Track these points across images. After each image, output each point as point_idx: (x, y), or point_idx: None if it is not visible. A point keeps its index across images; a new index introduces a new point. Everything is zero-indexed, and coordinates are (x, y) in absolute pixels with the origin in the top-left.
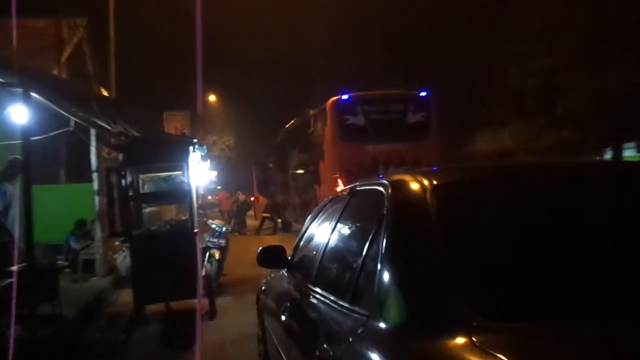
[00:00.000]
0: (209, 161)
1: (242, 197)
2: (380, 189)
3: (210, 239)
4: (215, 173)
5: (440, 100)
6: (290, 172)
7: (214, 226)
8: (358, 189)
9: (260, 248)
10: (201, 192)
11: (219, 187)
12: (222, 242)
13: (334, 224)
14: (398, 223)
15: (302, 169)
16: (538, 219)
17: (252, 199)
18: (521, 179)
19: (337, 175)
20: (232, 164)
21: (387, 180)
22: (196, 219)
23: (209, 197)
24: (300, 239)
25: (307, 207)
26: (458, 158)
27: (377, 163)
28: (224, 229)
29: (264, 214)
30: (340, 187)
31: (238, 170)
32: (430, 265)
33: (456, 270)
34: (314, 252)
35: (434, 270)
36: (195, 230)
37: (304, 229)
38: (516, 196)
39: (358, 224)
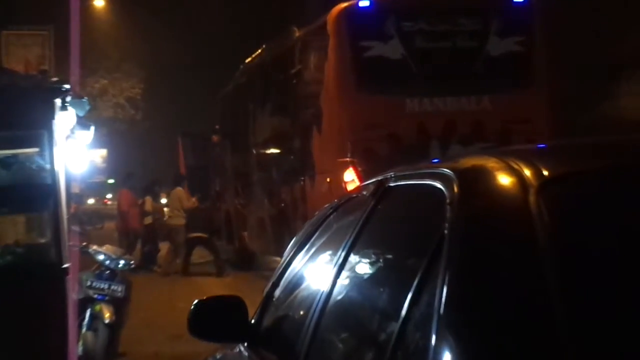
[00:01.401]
0: (92, 129)
1: (151, 205)
2: (437, 184)
3: (95, 284)
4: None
5: (554, 16)
6: (254, 151)
7: (101, 257)
8: (392, 185)
9: (195, 302)
10: (76, 190)
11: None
12: (118, 289)
13: (344, 253)
14: (475, 254)
15: (278, 146)
16: None
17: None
18: None
19: (349, 159)
20: (140, 135)
21: (451, 168)
22: (66, 242)
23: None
24: (275, 284)
25: (288, 222)
26: (585, 128)
27: (428, 135)
28: (121, 263)
29: (193, 235)
30: (355, 180)
31: (151, 148)
32: (540, 341)
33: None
34: (304, 309)
35: (548, 349)
36: (65, 266)
37: (282, 263)
38: None
39: (391, 254)
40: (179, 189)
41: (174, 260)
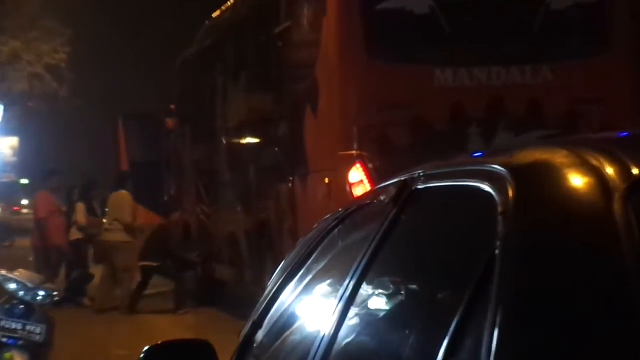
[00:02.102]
0: (0, 110)
1: (83, 215)
2: (484, 186)
3: (5, 323)
4: (14, 141)
5: None
6: (223, 140)
7: (12, 286)
8: (419, 187)
9: (146, 349)
10: None
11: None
12: (36, 330)
13: (353, 282)
14: (539, 283)
15: (256, 134)
16: None
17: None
18: None
19: (356, 151)
20: (65, 117)
21: (504, 165)
22: None
23: None
24: (256, 325)
25: (271, 239)
26: None
27: (465, 118)
28: (41, 294)
29: (144, 263)
30: (363, 181)
31: (81, 136)
32: None
33: None
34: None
35: None
36: None
37: (265, 296)
38: None
39: (418, 284)
40: (123, 192)
41: (111, 290)
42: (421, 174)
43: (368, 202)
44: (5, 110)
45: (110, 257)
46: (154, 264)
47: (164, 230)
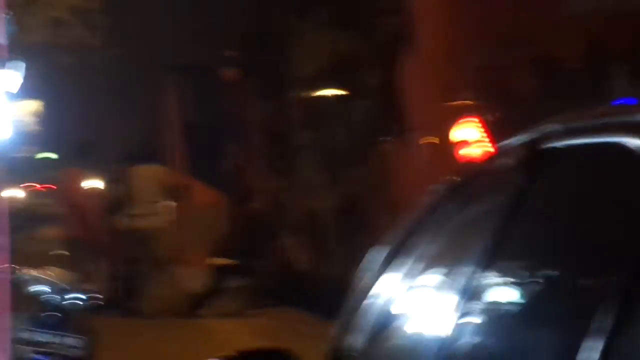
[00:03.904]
0: (22, 67)
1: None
2: (638, 142)
3: (35, 335)
4: (36, 106)
5: None
6: (299, 95)
7: (43, 290)
8: (555, 145)
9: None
10: None
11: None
12: (73, 342)
13: (475, 269)
14: None
15: (340, 84)
16: None
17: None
18: None
19: (469, 101)
20: (99, 74)
21: None
22: None
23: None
24: (352, 326)
25: (363, 217)
26: None
27: (605, 52)
28: (79, 298)
29: (216, 261)
30: (481, 139)
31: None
32: None
33: None
34: None
35: None
36: None
37: (361, 290)
38: None
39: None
40: (155, 166)
41: (159, 289)
42: (555, 129)
43: (489, 166)
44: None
45: (148, 249)
46: (230, 262)
47: (236, 215)
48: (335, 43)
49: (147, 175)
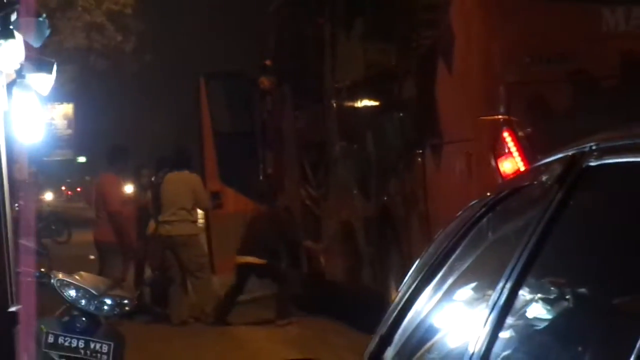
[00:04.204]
0: (54, 70)
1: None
2: None
3: (63, 340)
4: (69, 109)
5: None
6: (333, 104)
7: (72, 294)
8: (593, 164)
9: None
10: (25, 175)
11: (81, 159)
12: (102, 348)
13: (510, 284)
14: None
15: (375, 96)
16: None
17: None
18: None
19: (503, 116)
20: (132, 79)
21: None
22: (12, 269)
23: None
24: (386, 340)
25: (397, 230)
26: None
27: None
28: (109, 303)
29: (244, 260)
30: (513, 154)
31: (153, 102)
32: None
33: None
34: None
35: None
36: (12, 309)
37: (396, 303)
38: None
39: (598, 288)
40: (186, 172)
41: (185, 296)
42: (594, 147)
43: (526, 183)
44: (58, 70)
45: (177, 256)
46: (258, 261)
47: (267, 218)
48: (371, 53)
49: (180, 182)
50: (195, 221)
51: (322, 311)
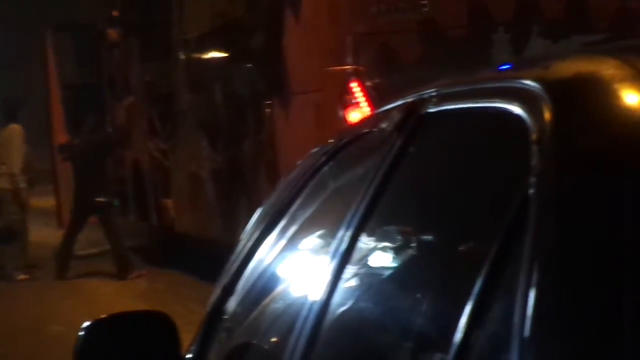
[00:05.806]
0: None
1: None
2: (513, 108)
3: None
4: None
5: None
6: (182, 56)
7: None
8: (432, 110)
9: (86, 325)
10: None
11: None
12: None
13: (350, 232)
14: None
15: (224, 45)
16: None
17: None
18: None
19: (351, 66)
20: None
21: (538, 80)
22: None
23: None
24: (228, 290)
25: (244, 180)
26: None
27: (489, 19)
28: None
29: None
30: (361, 103)
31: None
32: None
33: None
34: (282, 333)
35: None
36: None
37: (238, 252)
38: None
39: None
40: (14, 126)
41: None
42: (433, 94)
43: (366, 131)
44: None
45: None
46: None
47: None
48: (219, 3)
49: (7, 135)
50: (13, 175)
51: (172, 264)
